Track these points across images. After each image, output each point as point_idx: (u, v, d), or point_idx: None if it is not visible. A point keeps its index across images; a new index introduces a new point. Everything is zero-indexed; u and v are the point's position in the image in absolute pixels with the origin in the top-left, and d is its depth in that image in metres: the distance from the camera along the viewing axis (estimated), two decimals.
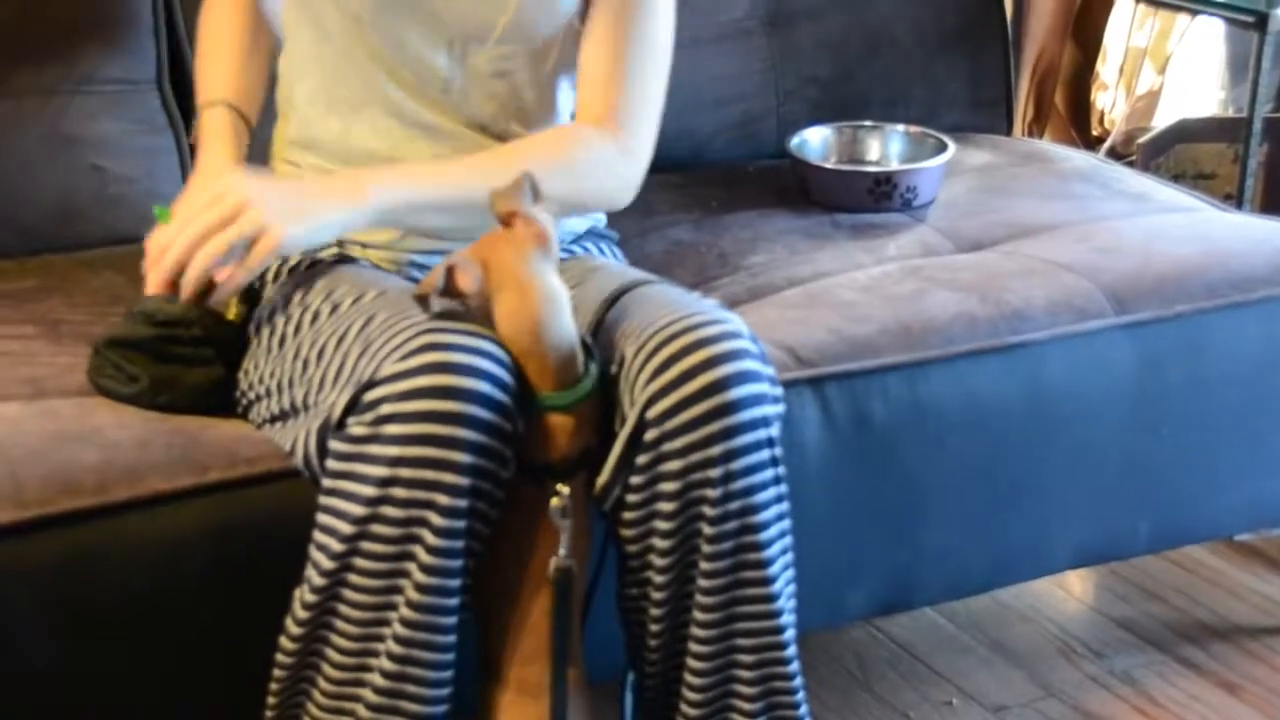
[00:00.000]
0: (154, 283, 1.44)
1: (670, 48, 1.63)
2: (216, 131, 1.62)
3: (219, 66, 1.67)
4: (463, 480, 1.33)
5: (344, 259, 1.61)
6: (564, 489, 1.38)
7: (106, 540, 1.40)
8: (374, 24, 1.59)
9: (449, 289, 1.37)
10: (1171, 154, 2.73)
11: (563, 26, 1.62)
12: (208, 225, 1.42)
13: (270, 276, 1.62)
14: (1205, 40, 2.94)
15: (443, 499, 1.32)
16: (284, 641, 1.38)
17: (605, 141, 1.60)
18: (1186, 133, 2.75)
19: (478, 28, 1.59)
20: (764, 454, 1.40)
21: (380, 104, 1.63)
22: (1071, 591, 2.19)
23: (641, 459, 1.39)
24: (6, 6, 1.69)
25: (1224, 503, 1.91)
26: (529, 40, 1.61)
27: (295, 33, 1.66)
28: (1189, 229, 1.96)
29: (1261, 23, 2.15)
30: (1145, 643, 2.09)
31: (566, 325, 1.38)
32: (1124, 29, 3.02)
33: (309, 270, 1.59)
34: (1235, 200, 2.18)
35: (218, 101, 1.64)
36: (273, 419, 1.50)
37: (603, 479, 1.41)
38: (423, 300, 1.37)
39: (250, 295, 1.58)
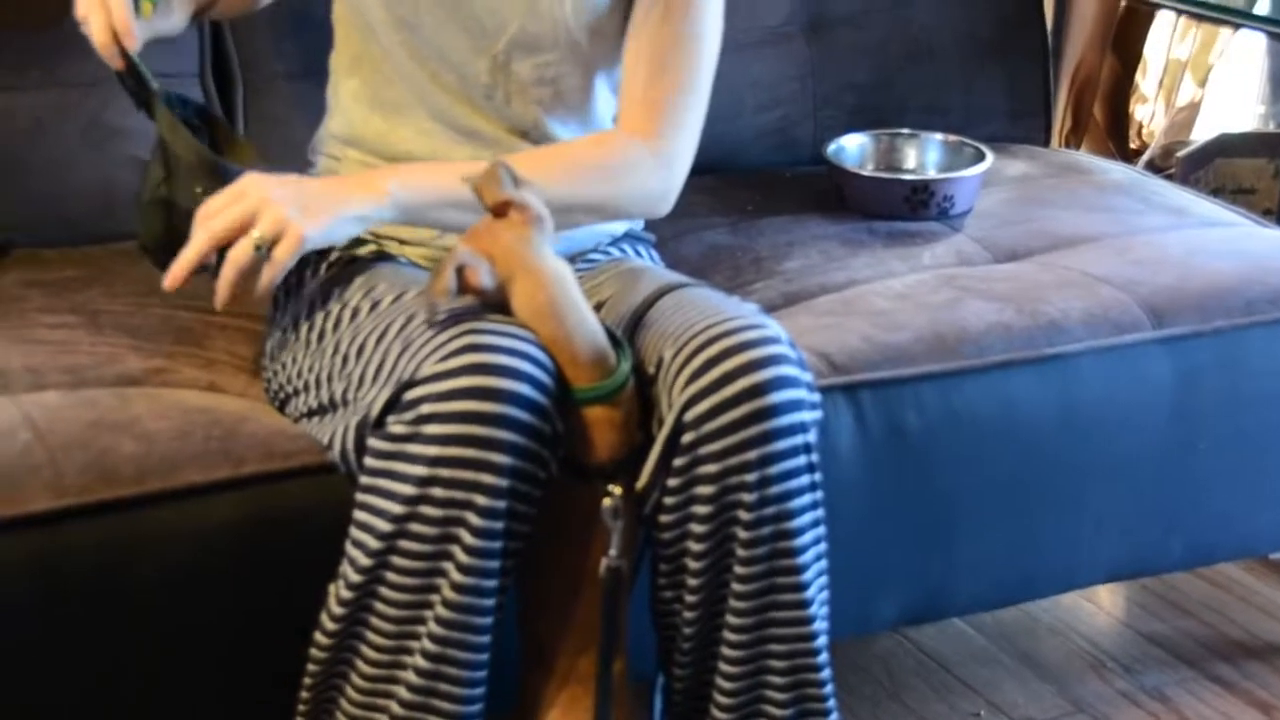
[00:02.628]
0: (174, 278, 1.43)
1: (717, 52, 1.63)
2: None
3: None
4: (501, 481, 1.33)
5: (383, 256, 1.62)
6: (616, 490, 1.39)
7: (143, 530, 1.41)
8: (419, 29, 1.60)
9: (463, 288, 1.38)
10: (1211, 168, 2.73)
11: (603, 32, 1.61)
12: (228, 224, 1.41)
13: (309, 272, 1.62)
14: (1246, 54, 2.93)
15: (481, 499, 1.33)
16: (318, 636, 1.39)
17: (643, 149, 1.59)
18: (1226, 147, 2.75)
19: (519, 35, 1.59)
20: (800, 460, 1.40)
21: (424, 107, 1.63)
22: (1102, 606, 2.19)
23: (678, 461, 1.40)
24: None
25: (1259, 521, 1.91)
26: (569, 48, 1.61)
27: (344, 32, 1.67)
28: (1228, 244, 1.96)
29: None
30: (1176, 659, 2.08)
31: (580, 302, 1.40)
32: (1164, 41, 3.02)
33: (348, 267, 1.59)
34: (1275, 216, 2.18)
35: None
36: (310, 413, 1.51)
37: (642, 481, 1.41)
38: (433, 302, 1.38)
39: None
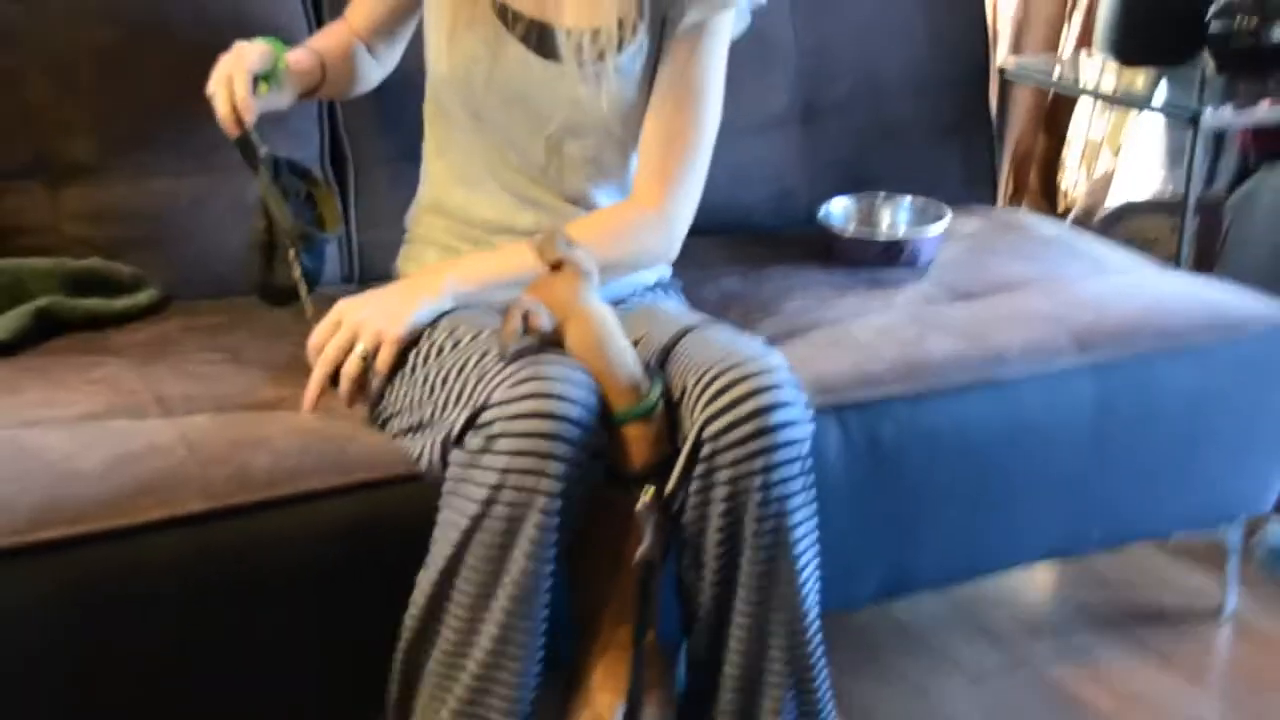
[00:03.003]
0: (309, 402, 1.49)
1: (714, 135, 1.63)
2: (299, 49, 1.66)
3: (321, 40, 1.73)
4: (557, 486, 1.33)
5: None
6: (648, 494, 1.39)
7: (272, 527, 1.41)
8: (489, 120, 1.62)
9: (527, 329, 1.39)
10: (1123, 225, 2.73)
11: (632, 120, 1.62)
12: (337, 351, 1.48)
13: None
14: (1150, 133, 2.94)
15: (541, 500, 1.33)
16: (411, 611, 1.39)
17: (651, 216, 1.61)
18: (1135, 208, 2.75)
19: (567, 124, 1.61)
20: (796, 467, 1.40)
21: (496, 181, 1.65)
22: (1038, 580, 2.19)
23: (699, 469, 1.39)
24: (205, 103, 1.71)
25: (1162, 510, 1.90)
26: (607, 133, 1.62)
27: (433, 122, 1.70)
28: (1137, 286, 1.95)
29: (1194, 120, 2.14)
30: (1096, 621, 2.07)
31: (621, 340, 1.40)
32: (1085, 123, 3.02)
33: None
34: (1174, 262, 2.17)
35: (307, 46, 1.69)
36: (404, 431, 1.50)
37: (670, 486, 1.41)
38: (505, 343, 1.38)
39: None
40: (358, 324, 1.47)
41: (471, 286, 1.54)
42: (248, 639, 1.41)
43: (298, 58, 1.62)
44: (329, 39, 1.73)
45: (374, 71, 1.78)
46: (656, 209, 1.60)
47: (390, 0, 1.72)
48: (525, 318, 1.39)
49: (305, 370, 1.53)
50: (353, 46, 1.74)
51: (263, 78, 1.55)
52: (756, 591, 1.41)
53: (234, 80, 1.52)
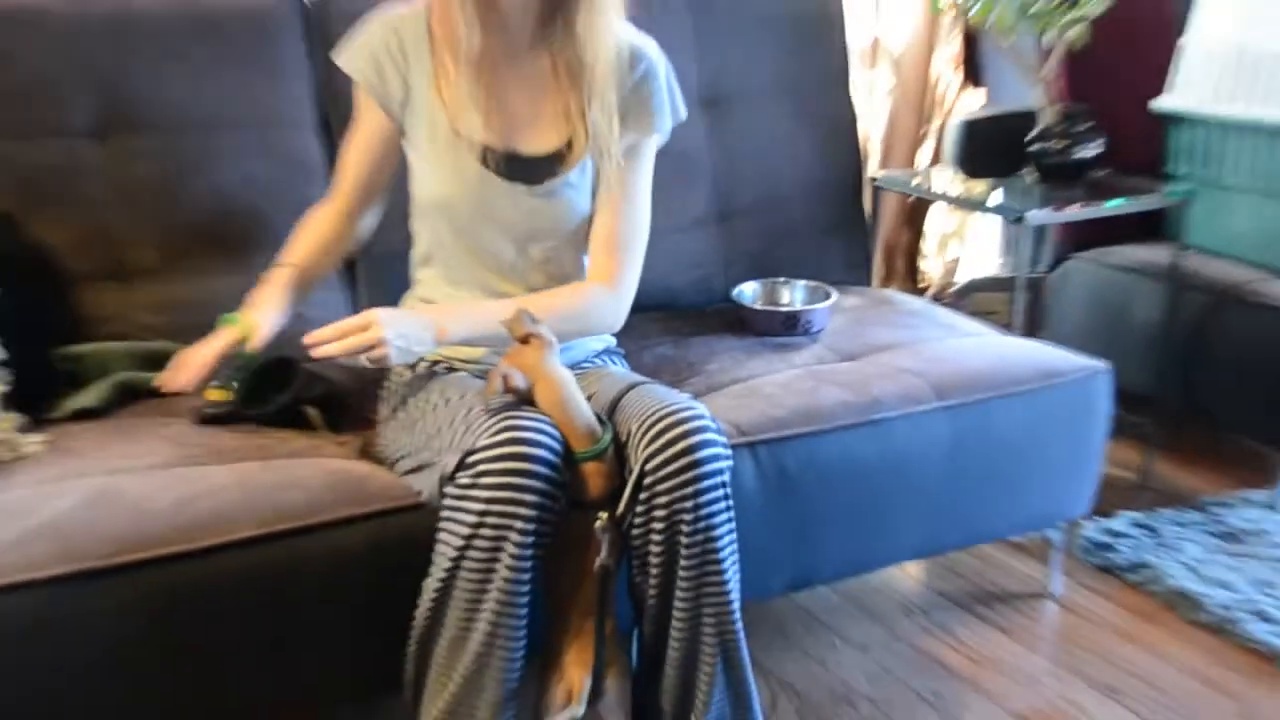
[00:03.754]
0: (316, 340, 1.41)
1: (648, 226, 1.63)
2: (277, 281, 1.57)
3: (302, 244, 1.61)
4: (531, 513, 1.33)
5: (451, 369, 1.62)
6: (603, 516, 1.39)
7: (305, 549, 1.41)
8: (467, 231, 1.60)
9: (506, 389, 1.40)
10: (970, 299, 2.77)
11: (583, 228, 1.62)
12: (349, 324, 1.42)
13: (404, 374, 1.62)
14: (988, 228, 2.96)
15: (519, 524, 1.33)
16: (418, 612, 1.39)
17: (604, 291, 1.59)
18: (979, 285, 2.80)
19: (530, 233, 1.60)
20: (720, 492, 1.40)
21: (475, 280, 1.63)
22: (910, 573, 2.19)
23: (642, 497, 1.40)
24: (240, 219, 1.69)
25: (1002, 518, 1.90)
26: (565, 237, 1.61)
27: (421, 235, 1.66)
28: (982, 347, 1.96)
29: (1021, 219, 2.16)
30: (954, 604, 2.08)
31: (579, 396, 1.40)
32: (938, 221, 3.05)
33: (430, 377, 1.59)
34: (1009, 328, 2.19)
35: (287, 263, 1.59)
36: (409, 471, 1.51)
37: (620, 509, 1.42)
38: (488, 399, 1.39)
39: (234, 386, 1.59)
40: (375, 322, 1.42)
41: (468, 335, 1.51)
42: (290, 636, 1.41)
43: (271, 307, 1.53)
44: (312, 239, 1.60)
45: (366, 230, 1.67)
46: (609, 286, 1.59)
47: (375, 160, 1.60)
48: (504, 380, 1.40)
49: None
50: (335, 232, 1.61)
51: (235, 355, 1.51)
52: (690, 589, 1.41)
53: (188, 375, 1.48)
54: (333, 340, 1.41)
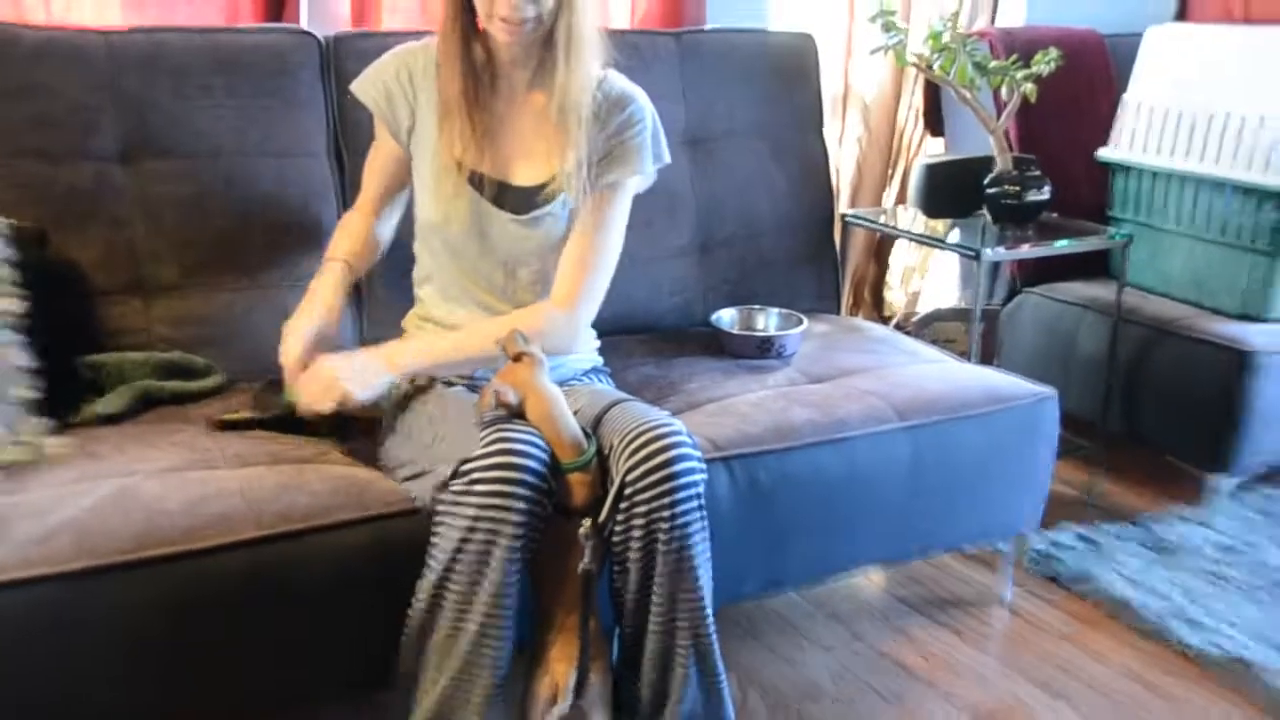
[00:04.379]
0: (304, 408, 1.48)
1: (617, 255, 1.61)
2: (332, 274, 1.60)
3: (347, 241, 1.64)
4: (520, 518, 1.33)
5: (448, 384, 1.61)
6: (587, 523, 1.38)
7: (308, 550, 1.39)
8: (462, 254, 1.61)
9: (499, 404, 1.39)
10: (930, 328, 2.76)
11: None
12: (328, 402, 1.47)
13: (401, 391, 1.60)
14: (947, 263, 2.99)
15: (508, 529, 1.32)
16: (413, 608, 1.38)
17: (560, 316, 1.57)
18: (939, 315, 2.79)
19: (518, 257, 1.60)
20: (695, 503, 1.40)
21: (469, 298, 1.63)
22: (872, 580, 2.18)
23: (622, 505, 1.40)
24: (255, 238, 1.69)
25: (958, 530, 1.90)
26: (550, 262, 1.61)
27: (422, 256, 1.67)
28: (941, 372, 1.97)
29: (978, 256, 2.17)
30: (912, 609, 2.07)
31: (566, 411, 1.39)
32: (902, 256, 3.06)
33: (428, 391, 1.58)
34: (966, 356, 2.19)
35: (338, 258, 1.61)
36: (407, 479, 1.50)
37: (602, 517, 1.41)
38: (481, 413, 1.39)
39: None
40: (339, 386, 1.46)
41: (421, 367, 1.52)
42: (292, 631, 1.40)
43: (325, 304, 1.57)
44: (353, 240, 1.64)
45: (386, 239, 1.71)
46: (565, 312, 1.57)
47: (390, 179, 1.66)
48: (497, 395, 1.39)
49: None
50: (370, 233, 1.66)
51: None
52: (667, 592, 1.41)
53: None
54: (306, 401, 1.48)
